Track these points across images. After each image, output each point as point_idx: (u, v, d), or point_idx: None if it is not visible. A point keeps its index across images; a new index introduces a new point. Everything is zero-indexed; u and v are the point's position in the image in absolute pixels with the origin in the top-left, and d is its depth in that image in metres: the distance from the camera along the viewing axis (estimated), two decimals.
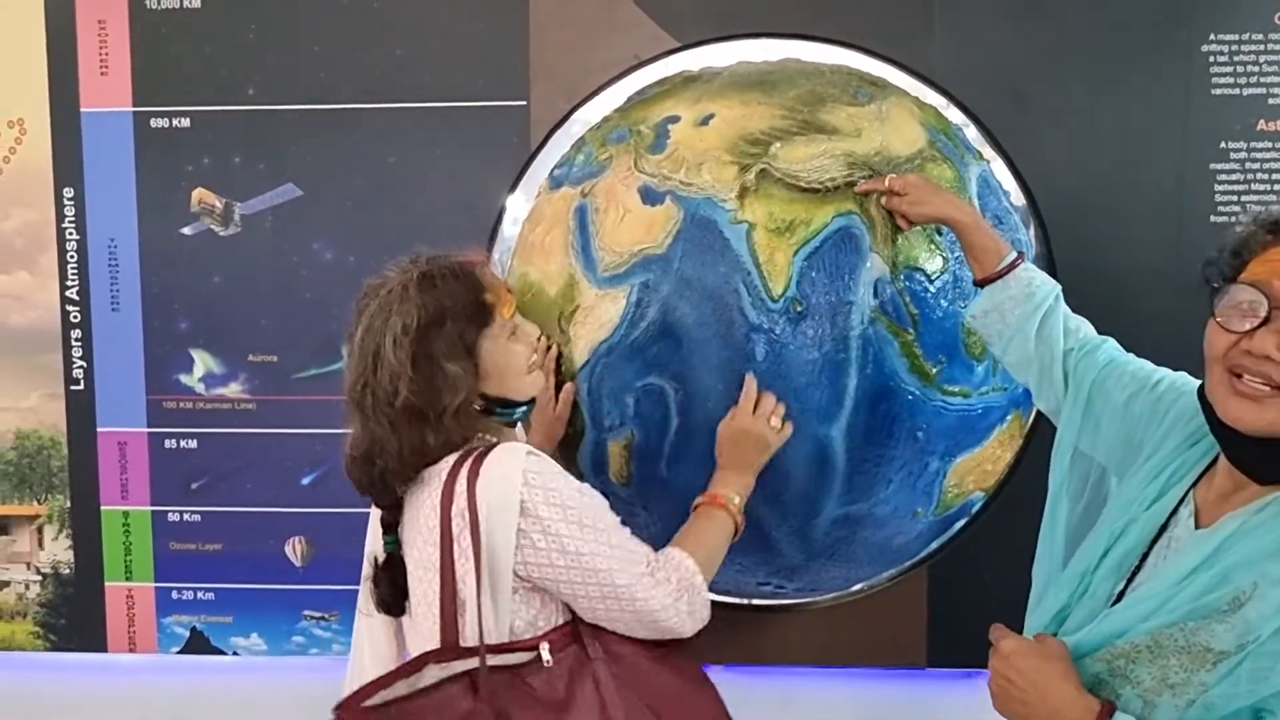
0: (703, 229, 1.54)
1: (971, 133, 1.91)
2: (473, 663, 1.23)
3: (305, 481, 2.12)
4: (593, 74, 2.00)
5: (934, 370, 1.55)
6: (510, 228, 1.99)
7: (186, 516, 2.15)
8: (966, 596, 1.97)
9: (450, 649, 1.24)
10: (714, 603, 2.00)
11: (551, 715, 1.23)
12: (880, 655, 2.05)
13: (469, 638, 1.24)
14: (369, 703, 1.22)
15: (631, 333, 1.56)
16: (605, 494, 1.65)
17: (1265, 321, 0.99)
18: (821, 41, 1.95)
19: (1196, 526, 1.08)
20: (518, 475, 1.24)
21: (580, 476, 1.67)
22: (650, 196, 1.59)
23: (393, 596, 1.33)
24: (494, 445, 1.30)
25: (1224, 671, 0.97)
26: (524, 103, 2.03)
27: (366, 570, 1.36)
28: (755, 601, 2.01)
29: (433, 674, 1.23)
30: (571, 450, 1.68)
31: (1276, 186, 1.92)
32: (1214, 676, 0.97)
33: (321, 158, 2.07)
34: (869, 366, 1.52)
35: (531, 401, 1.44)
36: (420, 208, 2.06)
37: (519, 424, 1.48)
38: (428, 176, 2.06)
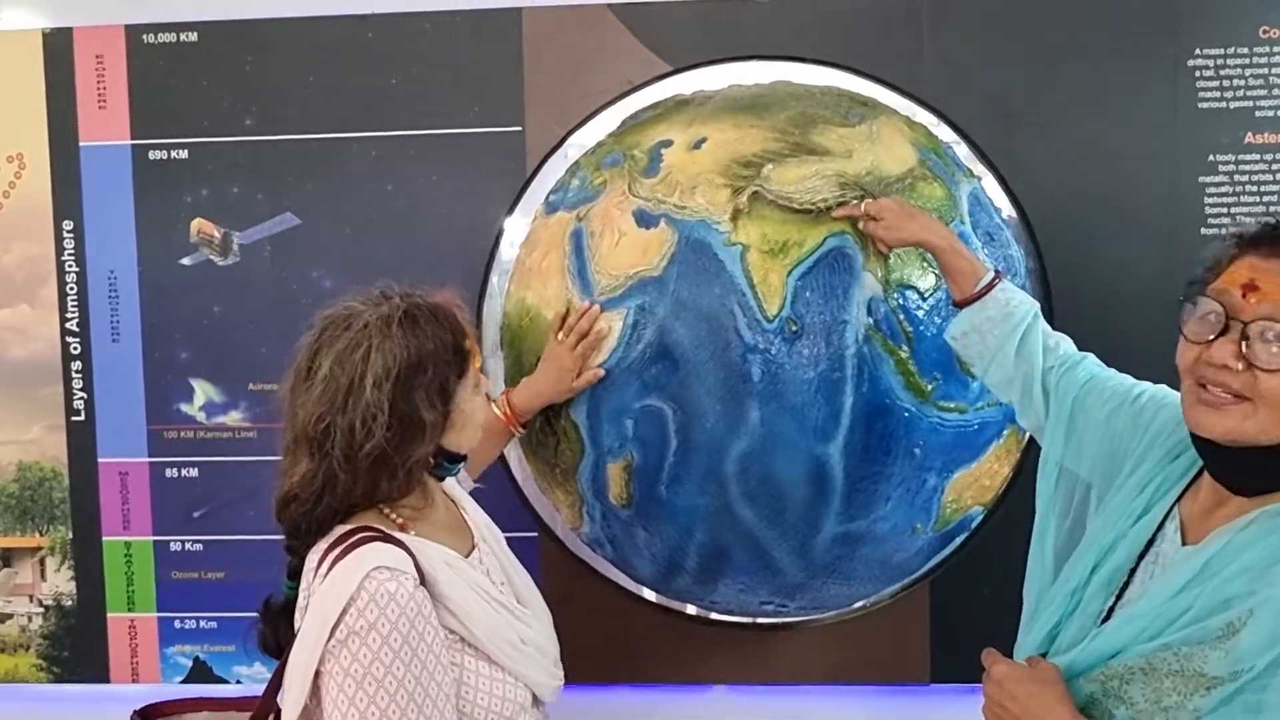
0: (697, 251, 1.55)
1: (962, 150, 1.92)
2: None
3: None
4: (586, 99, 2.01)
5: (929, 387, 1.56)
6: (508, 251, 2.00)
7: (188, 545, 2.14)
8: (968, 611, 1.97)
9: (262, 711, 1.25)
10: (717, 623, 2.03)
11: None
12: (884, 671, 2.05)
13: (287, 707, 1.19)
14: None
15: (629, 355, 1.57)
16: (607, 516, 1.68)
17: (1224, 331, 1.01)
18: (812, 63, 1.96)
19: (1183, 542, 1.09)
20: (353, 587, 1.13)
21: (581, 500, 1.70)
22: (645, 220, 1.60)
23: (273, 641, 1.27)
24: (366, 539, 1.18)
25: (1218, 699, 0.97)
26: (519, 129, 2.04)
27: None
28: (759, 620, 2.01)
29: None
30: (570, 473, 1.69)
31: (1266, 199, 1.94)
32: (1208, 702, 0.98)
33: (319, 186, 2.08)
34: (865, 385, 1.53)
35: (465, 457, 1.34)
36: (418, 234, 2.06)
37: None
38: (425, 203, 2.07)
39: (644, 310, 1.57)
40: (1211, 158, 1.94)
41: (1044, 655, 1.13)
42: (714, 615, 2.02)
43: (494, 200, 2.05)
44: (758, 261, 1.53)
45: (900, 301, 1.55)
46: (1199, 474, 1.12)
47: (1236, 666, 0.97)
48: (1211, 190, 1.94)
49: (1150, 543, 1.11)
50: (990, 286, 1.45)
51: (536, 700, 1.32)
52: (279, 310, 2.08)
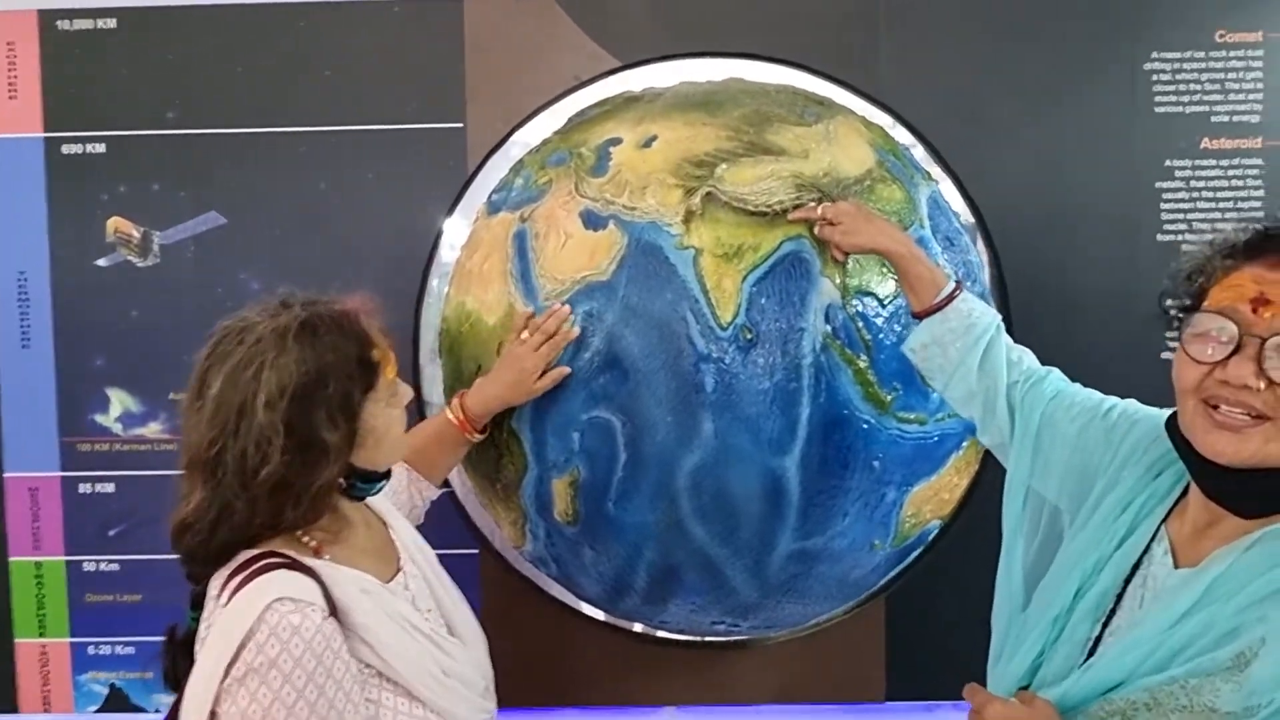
0: (648, 255, 1.49)
1: (919, 152, 1.88)
2: None
3: None
4: (531, 95, 1.95)
5: (889, 398, 1.51)
6: (448, 253, 1.93)
7: (103, 566, 2.03)
8: (925, 628, 1.93)
9: None
10: (666, 641, 1.96)
11: None
12: (838, 690, 2.00)
13: None
14: None
15: (575, 364, 1.51)
16: (551, 534, 1.60)
17: (1237, 349, 0.95)
18: (766, 61, 1.92)
19: (1175, 564, 1.04)
20: (252, 620, 1.05)
21: (524, 517, 1.62)
22: (592, 221, 1.53)
23: (173, 675, 1.17)
24: (271, 566, 1.10)
25: None
26: (460, 125, 1.97)
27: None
28: (709, 639, 1.94)
29: None
30: (513, 488, 1.61)
31: (1221, 204, 1.92)
32: None
33: (247, 184, 1.99)
34: (822, 395, 1.47)
35: (387, 475, 1.28)
36: (353, 234, 1.98)
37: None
38: (361, 202, 1.99)
39: (591, 317, 1.50)
40: (1168, 163, 1.92)
41: (1026, 688, 1.07)
42: (661, 634, 1.95)
43: (433, 200, 1.97)
44: (711, 266, 1.47)
45: (859, 308, 1.50)
46: (1184, 491, 1.07)
47: (1250, 701, 0.91)
48: (1168, 196, 1.92)
49: (1137, 565, 1.06)
50: (951, 297, 1.39)
51: None
52: (202, 315, 1.88)
